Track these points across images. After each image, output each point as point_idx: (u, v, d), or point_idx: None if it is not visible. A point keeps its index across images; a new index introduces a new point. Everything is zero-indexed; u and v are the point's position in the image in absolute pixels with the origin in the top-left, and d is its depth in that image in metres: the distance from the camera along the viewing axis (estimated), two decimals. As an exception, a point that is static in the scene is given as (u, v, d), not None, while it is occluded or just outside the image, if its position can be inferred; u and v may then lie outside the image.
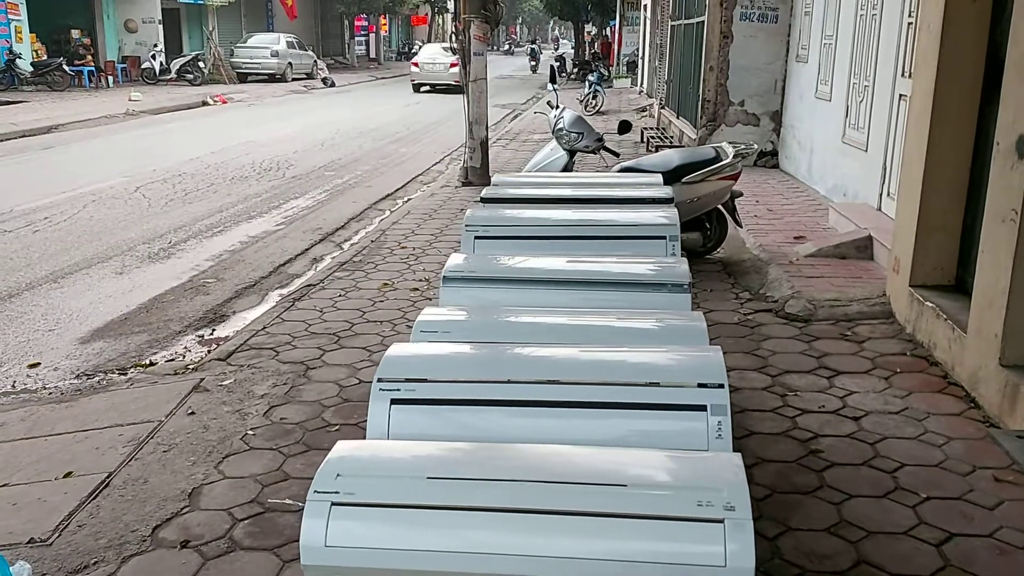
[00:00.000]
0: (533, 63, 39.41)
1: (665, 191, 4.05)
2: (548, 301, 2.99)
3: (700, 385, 2.13)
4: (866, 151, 7.76)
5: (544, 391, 2.19)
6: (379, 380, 2.21)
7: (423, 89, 28.64)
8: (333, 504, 1.79)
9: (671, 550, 1.69)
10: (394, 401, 2.17)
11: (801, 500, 3.30)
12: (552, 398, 2.17)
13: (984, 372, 4.03)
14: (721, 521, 1.69)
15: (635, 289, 3.00)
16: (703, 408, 2.09)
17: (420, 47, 35.63)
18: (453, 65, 23.89)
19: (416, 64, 29.48)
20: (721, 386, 2.11)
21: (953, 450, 3.65)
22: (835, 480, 3.44)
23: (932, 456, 3.61)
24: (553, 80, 9.51)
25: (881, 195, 7.33)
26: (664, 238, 3.44)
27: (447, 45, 26.06)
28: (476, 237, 3.51)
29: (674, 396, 2.13)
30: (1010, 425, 3.74)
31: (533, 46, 42.04)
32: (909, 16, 6.87)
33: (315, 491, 1.82)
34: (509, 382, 2.22)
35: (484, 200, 3.98)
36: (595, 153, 7.22)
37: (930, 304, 4.77)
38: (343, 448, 1.99)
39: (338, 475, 1.85)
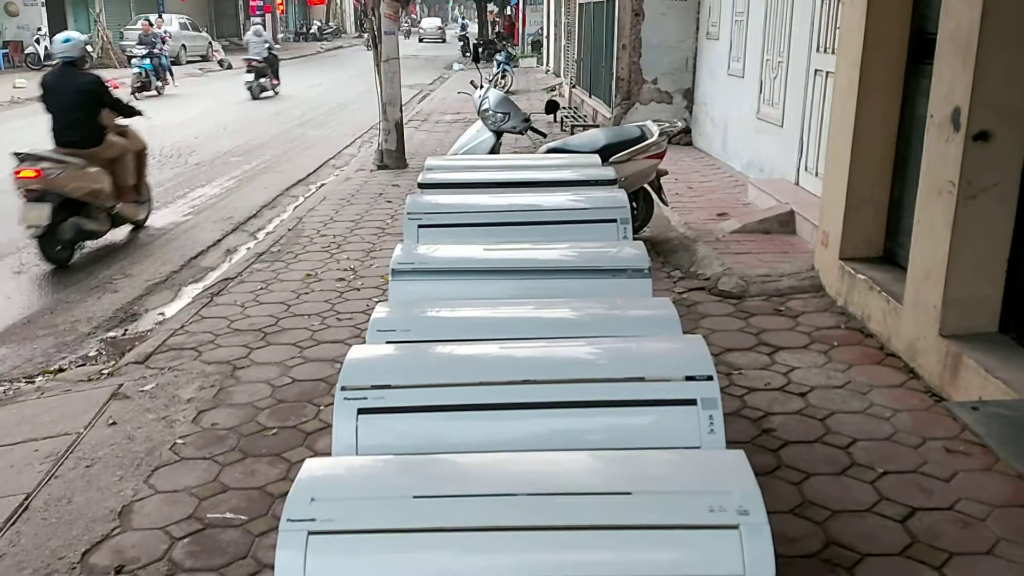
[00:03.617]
0: (463, 33, 43.90)
1: (608, 172, 3.95)
2: (504, 292, 2.85)
3: (688, 378, 2.02)
4: (782, 127, 7.83)
5: (522, 392, 2.05)
6: (343, 388, 2.03)
7: (424, 40, 51.77)
8: (310, 533, 1.61)
9: (685, 560, 1.59)
10: (361, 411, 2.00)
11: (762, 482, 3.23)
12: (531, 399, 2.04)
13: (923, 343, 4.07)
14: (736, 527, 1.59)
15: (594, 276, 2.89)
16: (693, 402, 1.99)
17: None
18: (439, 28, 53.73)
19: (422, 27, 54.66)
20: (710, 378, 2.02)
21: (901, 422, 3.68)
22: (792, 459, 3.42)
23: (882, 430, 3.63)
24: (476, 60, 9.32)
25: (799, 170, 7.42)
26: (615, 221, 3.33)
27: (439, 18, 57.37)
28: (420, 226, 3.33)
29: (661, 391, 2.02)
30: (953, 395, 3.79)
31: (464, 21, 50.12)
32: (823, -9, 6.93)
33: (288, 519, 1.63)
34: (483, 384, 2.07)
35: (422, 186, 3.80)
36: (522, 134, 7.07)
37: (862, 276, 4.82)
38: (313, 467, 1.80)
39: (312, 499, 1.67)
